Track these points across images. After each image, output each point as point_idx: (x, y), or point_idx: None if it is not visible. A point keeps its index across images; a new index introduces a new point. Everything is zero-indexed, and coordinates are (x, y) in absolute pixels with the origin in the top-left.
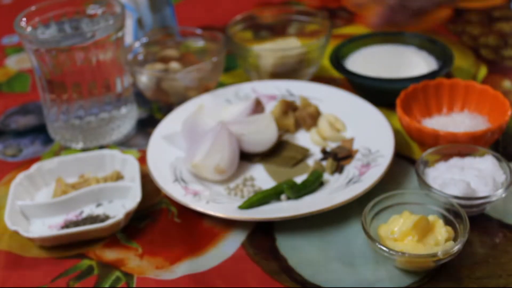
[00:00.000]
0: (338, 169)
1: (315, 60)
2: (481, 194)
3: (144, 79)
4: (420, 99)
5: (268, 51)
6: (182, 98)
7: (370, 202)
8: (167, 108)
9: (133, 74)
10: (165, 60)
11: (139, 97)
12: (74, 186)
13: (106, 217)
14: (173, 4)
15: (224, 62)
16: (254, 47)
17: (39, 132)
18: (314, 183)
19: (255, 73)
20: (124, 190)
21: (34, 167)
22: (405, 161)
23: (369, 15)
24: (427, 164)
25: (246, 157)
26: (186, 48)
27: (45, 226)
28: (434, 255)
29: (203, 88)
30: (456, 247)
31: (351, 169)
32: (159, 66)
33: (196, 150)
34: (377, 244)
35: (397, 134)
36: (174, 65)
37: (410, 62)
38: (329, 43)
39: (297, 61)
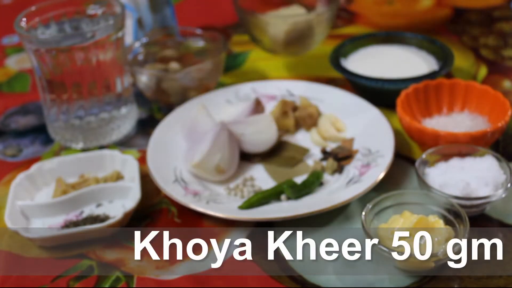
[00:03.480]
0: (338, 169)
1: (323, 28)
2: (481, 194)
3: (144, 79)
4: (420, 99)
5: (279, 18)
6: (182, 98)
7: (370, 202)
8: (167, 108)
9: (133, 74)
10: (165, 60)
11: (139, 97)
12: (74, 186)
13: (106, 217)
14: (173, 4)
15: (224, 62)
16: (262, 14)
17: (39, 132)
18: (314, 183)
19: (266, 43)
20: (124, 190)
21: (34, 167)
22: (405, 161)
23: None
24: (427, 164)
25: (246, 157)
26: (186, 48)
27: (45, 226)
28: (434, 255)
29: (203, 88)
30: (456, 247)
31: (351, 169)
32: (159, 66)
33: (196, 150)
34: (377, 244)
35: (397, 134)
36: (174, 65)
37: (410, 62)
38: (335, 12)
39: (307, 28)
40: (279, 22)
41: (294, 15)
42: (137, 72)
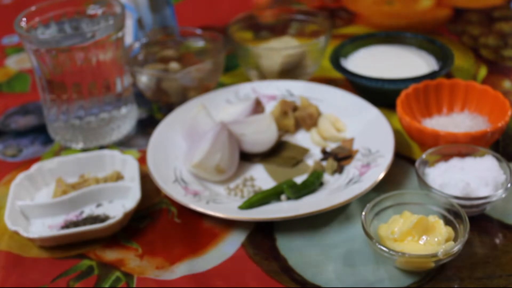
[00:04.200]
0: (338, 169)
1: (317, 58)
2: (481, 194)
3: (144, 79)
4: (420, 99)
5: (273, 50)
6: (182, 98)
7: (370, 202)
8: (167, 108)
9: (133, 74)
10: (165, 60)
11: (139, 97)
12: (74, 186)
13: (106, 217)
14: (173, 4)
15: (224, 62)
16: (256, 47)
17: (39, 132)
18: (314, 183)
19: (256, 72)
20: (124, 190)
21: (34, 167)
22: (405, 161)
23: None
24: (427, 164)
25: (246, 157)
26: (186, 48)
27: (45, 226)
28: (434, 255)
29: (203, 88)
30: (456, 247)
31: (351, 169)
32: (159, 66)
33: (196, 150)
34: (377, 244)
35: (397, 134)
36: (173, 65)
37: (410, 62)
38: (329, 42)
39: (299, 60)
40: (273, 54)
41: (287, 47)
42: (137, 72)
